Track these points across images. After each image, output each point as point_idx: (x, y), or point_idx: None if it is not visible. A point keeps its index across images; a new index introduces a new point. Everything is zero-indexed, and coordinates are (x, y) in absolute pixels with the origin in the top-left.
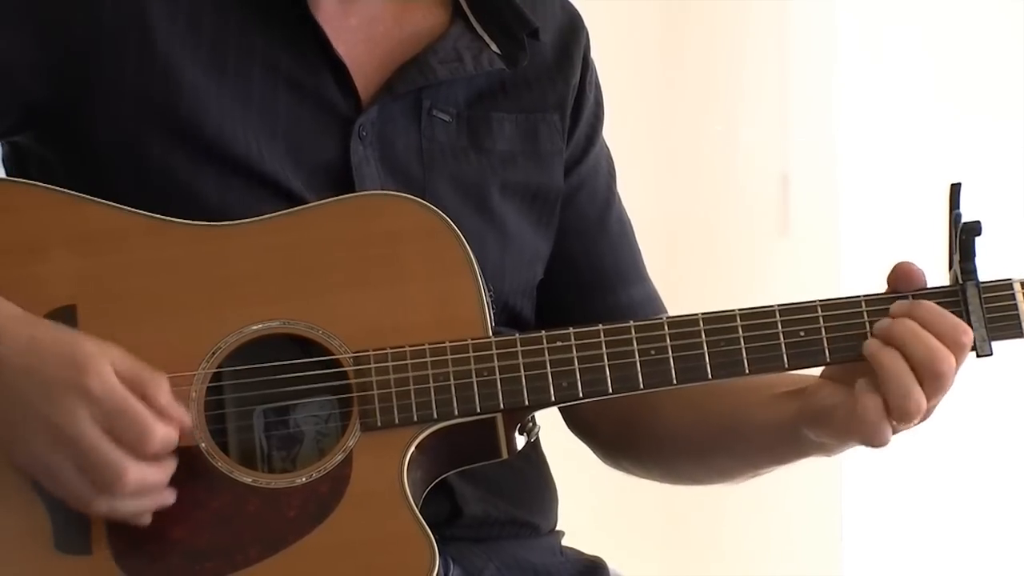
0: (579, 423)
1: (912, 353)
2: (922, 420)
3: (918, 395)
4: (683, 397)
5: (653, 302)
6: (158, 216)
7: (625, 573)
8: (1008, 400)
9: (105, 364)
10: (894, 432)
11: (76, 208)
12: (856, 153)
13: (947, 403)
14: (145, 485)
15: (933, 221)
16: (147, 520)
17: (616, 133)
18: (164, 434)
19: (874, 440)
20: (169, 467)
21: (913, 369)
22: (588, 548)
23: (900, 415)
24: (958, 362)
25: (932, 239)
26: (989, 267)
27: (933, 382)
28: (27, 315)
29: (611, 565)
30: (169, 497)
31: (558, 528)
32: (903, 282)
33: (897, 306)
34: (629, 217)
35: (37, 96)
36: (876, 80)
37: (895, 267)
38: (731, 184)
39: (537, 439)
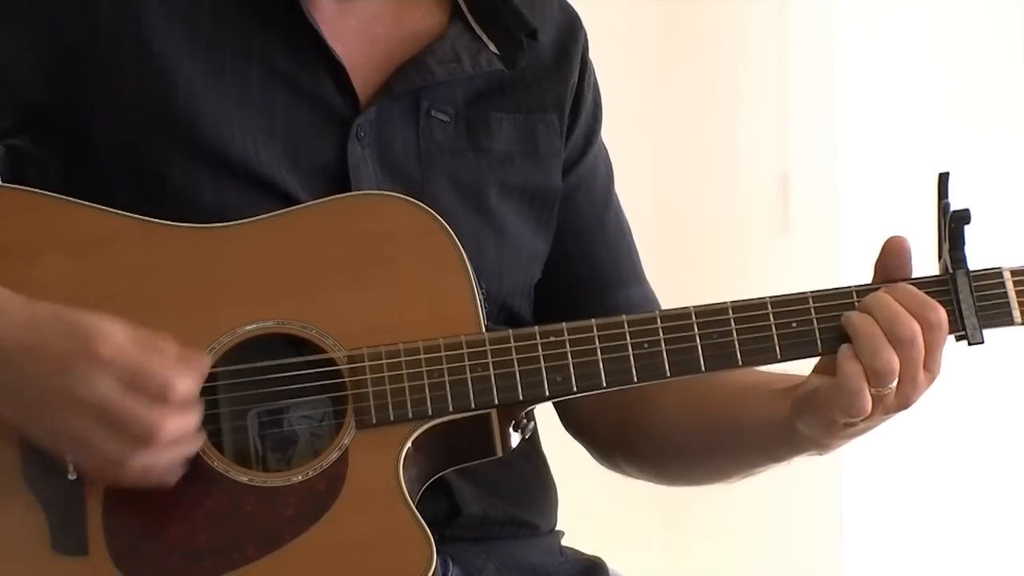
0: (576, 423)
1: (878, 317)
2: (902, 407)
3: (888, 353)
4: (680, 397)
5: (650, 304)
6: (151, 219)
7: (625, 573)
8: (1007, 399)
9: (112, 330)
10: (876, 407)
11: (69, 211)
12: (856, 153)
13: (946, 401)
14: (182, 431)
15: (933, 221)
16: (176, 477)
17: (616, 133)
18: (185, 381)
19: (852, 406)
20: (197, 412)
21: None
22: (588, 548)
23: (874, 376)
24: (930, 340)
25: (932, 238)
26: (984, 258)
27: (899, 347)
28: (20, 297)
29: (611, 565)
30: (199, 442)
31: (558, 528)
32: (892, 257)
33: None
34: (627, 218)
35: (33, 97)
36: (876, 80)
37: (885, 243)
38: (731, 184)
39: (537, 439)
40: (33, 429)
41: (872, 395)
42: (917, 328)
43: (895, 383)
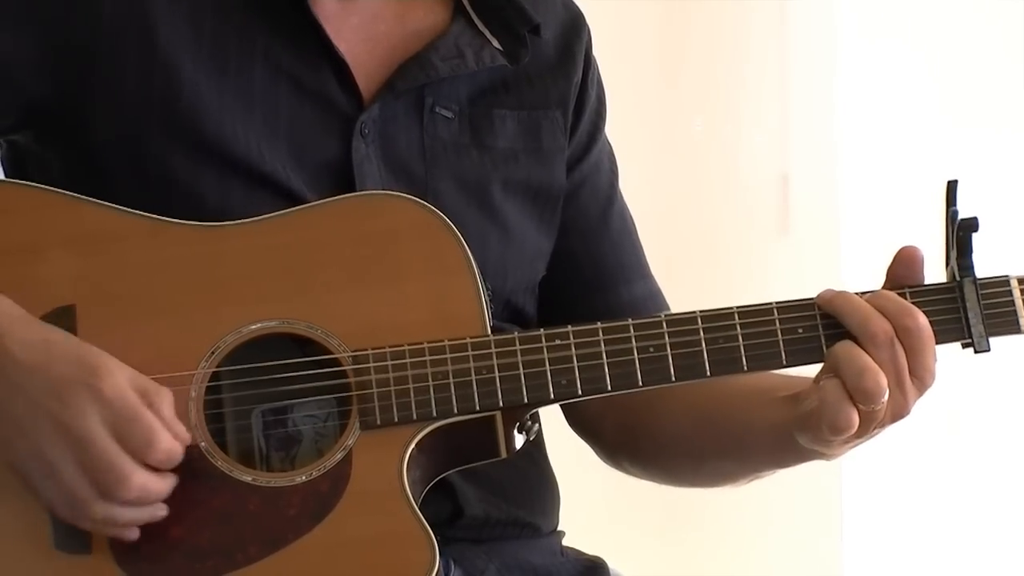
0: (582, 423)
1: (850, 320)
2: (898, 417)
3: (873, 371)
4: (685, 400)
5: (656, 299)
6: (156, 216)
7: (625, 573)
8: (1008, 400)
9: (118, 371)
10: (871, 422)
11: (74, 208)
12: (856, 153)
13: (946, 402)
14: (146, 493)
15: (933, 221)
16: (135, 534)
17: (616, 132)
18: (170, 445)
19: (838, 421)
20: (170, 481)
21: (857, 339)
22: (588, 548)
23: (862, 395)
24: (912, 346)
25: (933, 239)
26: (989, 265)
27: (874, 348)
28: (37, 320)
29: (611, 565)
30: (161, 512)
31: (559, 528)
32: (903, 266)
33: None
34: (631, 215)
35: (37, 95)
36: (876, 80)
37: (898, 252)
38: (731, 184)
39: (540, 440)
40: (15, 449)
41: (862, 412)
42: (889, 327)
43: (886, 397)
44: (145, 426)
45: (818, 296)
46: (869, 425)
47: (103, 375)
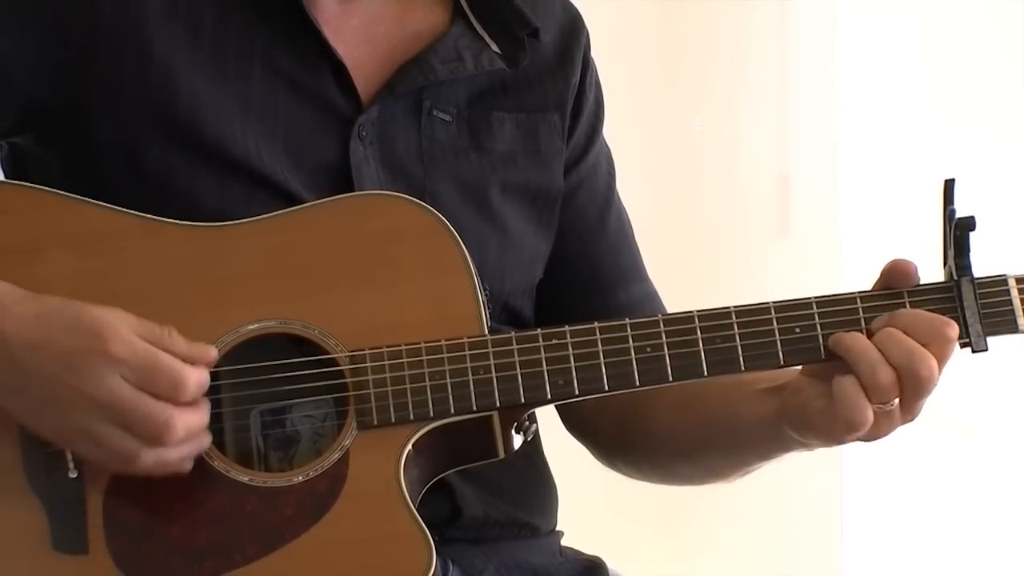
0: (577, 424)
1: (891, 358)
2: (909, 419)
3: (886, 370)
4: (674, 397)
5: (652, 301)
6: (155, 217)
7: (625, 573)
8: (1008, 399)
9: (121, 326)
10: (883, 423)
11: (74, 209)
12: (856, 153)
13: (947, 402)
14: (192, 428)
15: (933, 221)
16: (190, 466)
17: (616, 133)
18: (197, 377)
19: (855, 416)
20: (205, 407)
21: (896, 372)
22: (588, 548)
23: (876, 391)
24: (943, 355)
25: (932, 239)
26: (988, 265)
27: (916, 385)
28: (27, 293)
29: (611, 565)
30: (207, 440)
31: (558, 528)
32: (897, 278)
33: (877, 321)
34: (629, 216)
35: (36, 97)
36: (876, 80)
37: (888, 264)
38: (731, 184)
39: (538, 440)
40: (42, 426)
41: (876, 411)
42: (934, 363)
43: (899, 398)
44: (167, 370)
45: (829, 340)
46: (883, 423)
47: (108, 337)
